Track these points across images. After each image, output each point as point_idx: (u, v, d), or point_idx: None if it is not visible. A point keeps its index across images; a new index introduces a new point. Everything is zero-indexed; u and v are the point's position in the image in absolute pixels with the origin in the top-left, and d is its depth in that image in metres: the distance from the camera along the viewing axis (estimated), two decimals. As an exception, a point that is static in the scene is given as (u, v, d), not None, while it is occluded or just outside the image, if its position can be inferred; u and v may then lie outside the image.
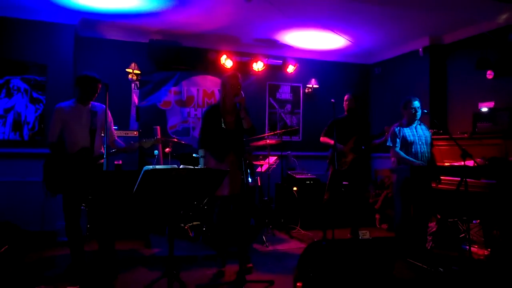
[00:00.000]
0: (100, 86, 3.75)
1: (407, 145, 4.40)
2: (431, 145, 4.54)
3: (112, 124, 4.01)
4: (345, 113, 5.29)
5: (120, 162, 5.05)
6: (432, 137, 4.66)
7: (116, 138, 4.04)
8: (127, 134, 5.27)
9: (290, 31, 6.00)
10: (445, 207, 4.62)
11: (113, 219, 3.72)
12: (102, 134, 3.95)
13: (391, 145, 4.51)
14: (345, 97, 5.30)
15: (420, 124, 4.51)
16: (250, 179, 4.80)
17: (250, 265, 3.92)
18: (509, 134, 4.63)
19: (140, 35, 6.08)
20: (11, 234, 4.59)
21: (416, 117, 4.42)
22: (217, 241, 4.00)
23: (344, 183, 5.25)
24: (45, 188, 3.66)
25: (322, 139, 5.30)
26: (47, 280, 3.64)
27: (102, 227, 3.61)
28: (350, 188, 5.25)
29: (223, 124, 3.81)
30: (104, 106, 3.88)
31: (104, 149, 3.84)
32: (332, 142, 5.09)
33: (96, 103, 3.89)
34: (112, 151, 3.89)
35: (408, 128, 4.44)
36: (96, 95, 3.77)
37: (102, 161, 3.83)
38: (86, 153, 3.64)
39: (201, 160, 3.91)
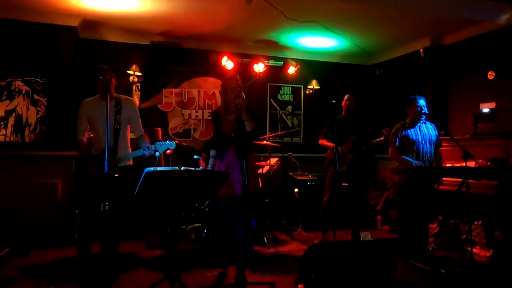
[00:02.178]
0: (112, 75, 3.61)
1: (409, 143, 4.37)
2: (437, 145, 4.49)
3: (138, 118, 3.84)
4: (343, 113, 5.21)
5: (131, 162, 5.06)
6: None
7: (144, 134, 3.82)
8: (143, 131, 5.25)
9: (291, 33, 6.00)
10: (446, 208, 4.61)
11: (119, 221, 3.70)
12: (131, 134, 3.85)
13: (390, 143, 4.49)
14: (346, 97, 5.24)
15: (425, 123, 4.48)
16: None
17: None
18: (511, 135, 4.62)
19: (140, 37, 6.09)
20: (12, 236, 4.60)
21: (421, 115, 4.39)
22: (219, 243, 4.00)
23: (343, 184, 5.22)
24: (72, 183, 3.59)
25: (321, 141, 5.24)
26: (49, 281, 3.64)
27: (108, 229, 3.57)
28: (350, 189, 5.22)
29: (219, 126, 3.86)
30: (131, 98, 3.82)
31: (130, 149, 3.79)
32: (330, 144, 5.07)
33: (122, 97, 3.75)
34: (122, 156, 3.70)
35: (412, 128, 4.42)
36: (112, 87, 3.57)
37: (131, 163, 3.77)
38: (109, 154, 3.56)
39: (211, 160, 3.94)
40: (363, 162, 5.27)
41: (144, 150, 3.58)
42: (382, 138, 4.97)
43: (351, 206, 5.23)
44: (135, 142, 3.86)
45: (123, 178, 3.54)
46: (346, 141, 5.01)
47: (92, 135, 3.77)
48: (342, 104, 5.24)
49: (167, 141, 3.59)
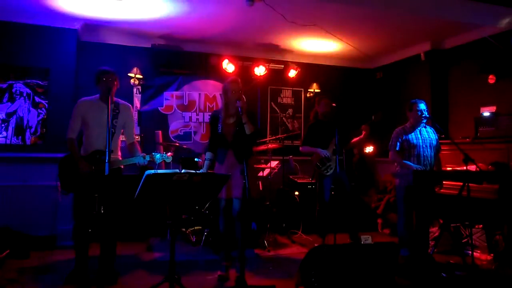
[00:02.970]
0: (115, 78, 3.63)
1: (410, 148, 4.38)
2: (437, 149, 4.50)
3: (133, 125, 3.87)
4: (320, 117, 5.15)
5: (122, 166, 5.07)
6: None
7: (135, 141, 3.86)
8: (135, 139, 5.27)
9: (291, 36, 6.01)
10: (447, 212, 4.60)
11: (116, 223, 3.70)
12: (123, 139, 3.87)
13: (391, 147, 4.49)
14: (323, 101, 5.15)
15: (425, 127, 4.48)
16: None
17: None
18: (511, 139, 4.62)
19: (142, 39, 6.10)
20: (11, 238, 4.59)
21: (422, 120, 4.39)
22: (220, 246, 3.99)
23: (331, 186, 5.16)
24: (58, 186, 3.58)
25: (303, 148, 5.15)
26: (49, 284, 3.64)
27: (106, 230, 3.58)
28: (341, 191, 5.17)
29: (219, 129, 3.86)
30: (129, 104, 3.83)
31: (118, 152, 3.80)
32: (313, 149, 5.02)
33: (121, 102, 3.76)
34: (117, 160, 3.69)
35: (412, 132, 4.42)
36: (115, 89, 3.60)
37: (122, 166, 3.78)
38: (99, 156, 3.54)
39: (206, 163, 3.94)
40: (348, 162, 5.24)
41: (144, 158, 3.55)
42: (362, 135, 4.96)
43: (348, 209, 5.18)
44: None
45: (114, 180, 3.53)
46: (328, 144, 4.98)
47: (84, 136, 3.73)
48: (319, 108, 5.16)
49: (164, 154, 3.58)
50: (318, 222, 5.14)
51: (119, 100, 3.80)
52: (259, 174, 5.61)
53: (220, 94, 6.52)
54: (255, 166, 5.46)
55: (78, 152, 3.63)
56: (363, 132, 4.98)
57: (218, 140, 3.90)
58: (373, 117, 4.87)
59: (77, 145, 3.67)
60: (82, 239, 3.61)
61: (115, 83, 3.66)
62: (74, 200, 3.62)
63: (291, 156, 6.59)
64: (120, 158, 3.77)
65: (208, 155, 3.96)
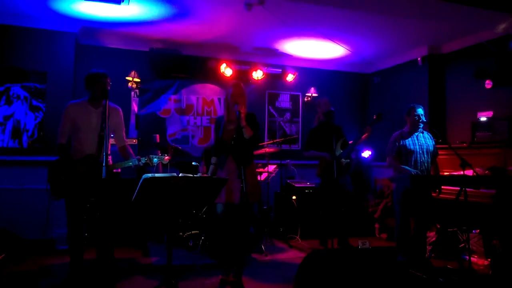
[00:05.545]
0: (108, 81, 3.60)
1: (407, 153, 4.39)
2: (434, 154, 4.51)
3: (123, 128, 3.86)
4: (322, 118, 5.15)
5: (119, 170, 5.05)
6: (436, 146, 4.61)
7: (127, 144, 3.85)
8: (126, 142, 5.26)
9: (289, 40, 6.03)
10: (444, 217, 4.61)
11: (113, 227, 3.68)
12: (113, 142, 3.86)
13: (388, 152, 4.50)
14: (323, 101, 5.18)
15: (422, 132, 4.49)
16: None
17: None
18: (508, 144, 4.64)
19: (140, 43, 6.11)
20: (8, 242, 4.57)
21: (419, 124, 4.41)
22: (218, 250, 3.99)
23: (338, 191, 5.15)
24: (49, 190, 3.56)
25: (308, 153, 5.17)
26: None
27: (102, 235, 3.56)
28: (341, 195, 5.12)
29: (220, 134, 3.87)
30: (118, 107, 3.80)
31: (108, 156, 3.78)
32: (319, 154, 5.04)
33: (110, 105, 3.70)
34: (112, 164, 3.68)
35: (409, 138, 4.43)
36: (107, 93, 3.53)
37: (119, 170, 3.77)
38: (92, 161, 3.52)
39: (211, 167, 3.95)
40: (356, 166, 5.25)
41: (139, 161, 3.55)
42: (365, 135, 4.93)
43: (344, 213, 5.16)
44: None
45: (111, 183, 3.51)
46: (332, 147, 4.95)
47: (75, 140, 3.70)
48: (320, 109, 5.18)
49: (160, 155, 3.58)
50: (321, 226, 5.12)
51: (109, 103, 3.78)
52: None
53: (218, 98, 6.53)
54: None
55: (70, 157, 3.60)
56: (366, 133, 4.96)
57: (218, 145, 3.92)
58: (374, 117, 4.85)
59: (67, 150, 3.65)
60: (75, 244, 3.59)
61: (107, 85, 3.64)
62: (66, 206, 3.60)
63: (288, 161, 6.59)
64: (110, 162, 3.75)
65: (213, 159, 3.99)
